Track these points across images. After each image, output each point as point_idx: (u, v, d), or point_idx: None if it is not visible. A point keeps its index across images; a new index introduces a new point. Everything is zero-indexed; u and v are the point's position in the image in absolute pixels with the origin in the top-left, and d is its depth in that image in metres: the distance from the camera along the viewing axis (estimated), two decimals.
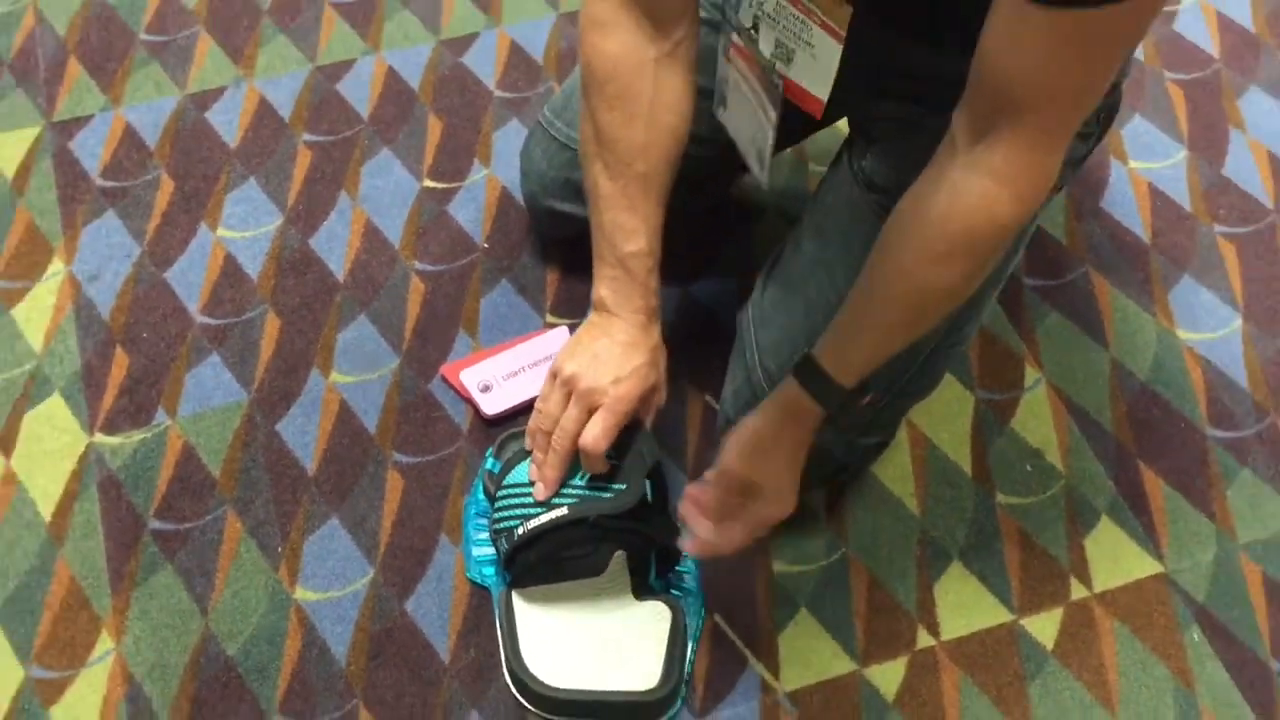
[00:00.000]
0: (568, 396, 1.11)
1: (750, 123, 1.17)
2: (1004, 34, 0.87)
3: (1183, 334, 1.39)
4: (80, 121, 1.55)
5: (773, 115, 1.12)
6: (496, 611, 1.18)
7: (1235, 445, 1.31)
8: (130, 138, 1.54)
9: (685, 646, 1.14)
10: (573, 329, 1.37)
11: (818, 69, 1.07)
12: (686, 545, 1.10)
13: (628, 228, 1.10)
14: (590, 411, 1.10)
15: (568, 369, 1.11)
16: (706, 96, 1.22)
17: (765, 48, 1.10)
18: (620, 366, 1.10)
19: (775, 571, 1.22)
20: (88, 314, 1.38)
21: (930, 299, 0.98)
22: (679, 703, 1.13)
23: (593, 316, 1.15)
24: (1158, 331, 1.39)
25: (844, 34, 1.04)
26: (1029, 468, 1.29)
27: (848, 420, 1.06)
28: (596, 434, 1.09)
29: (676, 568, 1.18)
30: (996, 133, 0.88)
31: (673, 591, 1.17)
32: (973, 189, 0.90)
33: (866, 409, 1.05)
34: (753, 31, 1.09)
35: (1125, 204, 1.50)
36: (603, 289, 1.12)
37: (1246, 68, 1.64)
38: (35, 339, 1.36)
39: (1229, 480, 1.29)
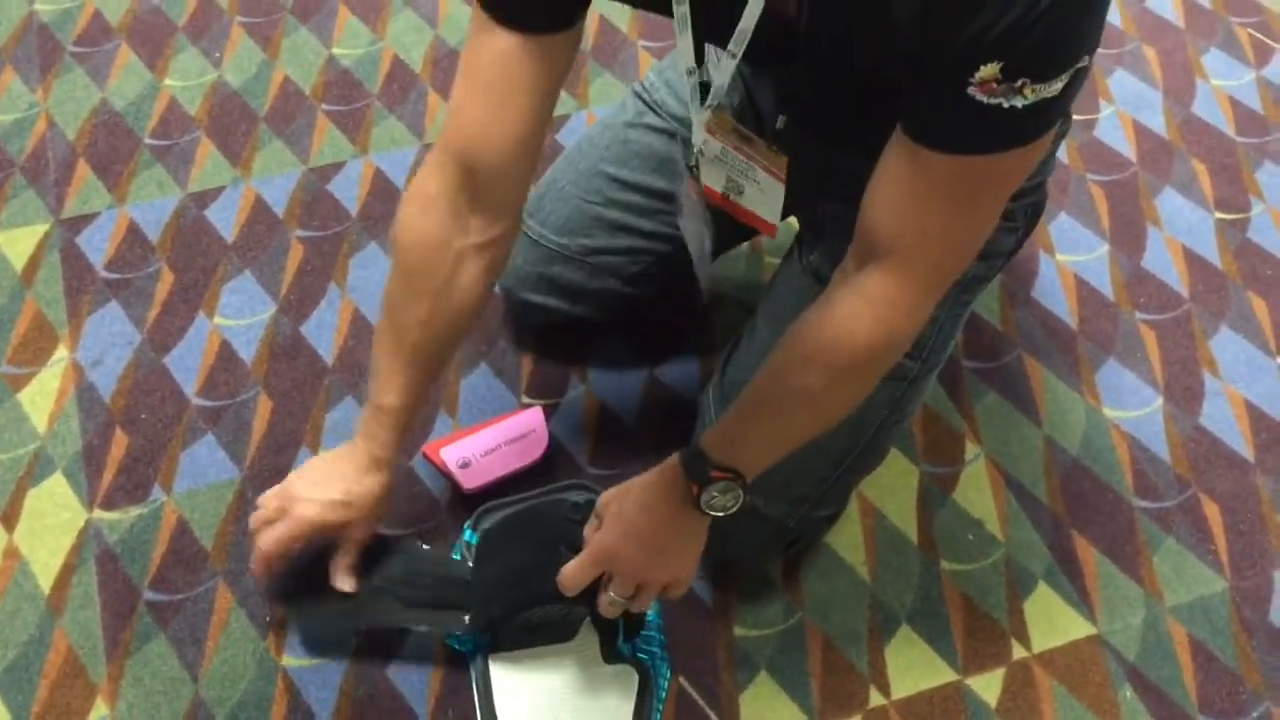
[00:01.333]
0: (279, 494, 1.11)
1: (696, 232, 1.20)
2: (884, 174, 0.89)
3: (1109, 412, 1.42)
4: (87, 219, 1.57)
5: (709, 230, 1.14)
6: (473, 675, 1.17)
7: (1159, 515, 1.33)
8: (134, 233, 1.55)
9: (652, 707, 1.14)
10: (547, 409, 1.38)
11: (766, 200, 1.11)
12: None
13: (388, 385, 1.07)
14: (282, 513, 1.09)
15: (291, 475, 1.12)
16: (669, 200, 1.26)
17: (715, 183, 1.12)
18: (321, 489, 1.09)
19: (736, 635, 1.23)
20: (89, 397, 1.39)
21: (789, 398, 0.98)
22: None
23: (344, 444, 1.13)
24: (1086, 410, 1.42)
25: (784, 176, 1.07)
26: (970, 536, 1.31)
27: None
28: (265, 537, 1.08)
29: (643, 632, 1.19)
30: (872, 263, 0.90)
31: (640, 655, 1.17)
32: (843, 307, 0.92)
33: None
34: (694, 169, 1.13)
35: (1054, 293, 1.54)
36: (358, 422, 1.10)
37: (1161, 170, 1.69)
38: (40, 421, 1.36)
39: (1154, 547, 1.30)
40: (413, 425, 1.11)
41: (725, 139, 1.09)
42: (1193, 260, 1.58)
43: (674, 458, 1.04)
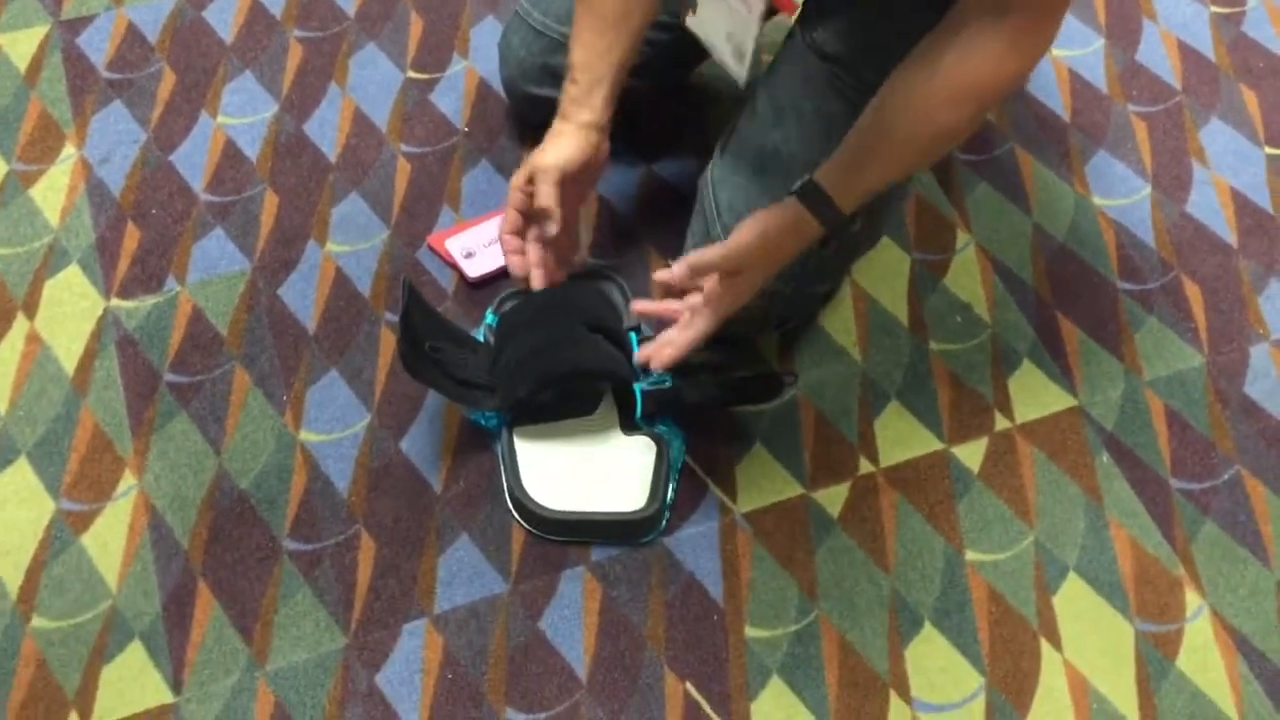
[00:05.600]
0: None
1: (726, 21, 1.16)
2: None
3: (1097, 200, 1.43)
4: (86, 20, 1.55)
5: (758, 7, 1.11)
6: (498, 448, 1.21)
7: (1142, 296, 1.36)
8: (133, 34, 1.54)
9: (668, 475, 1.18)
10: None
11: None
12: (647, 352, 1.15)
13: (575, 44, 1.16)
14: (529, 179, 1.17)
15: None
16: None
17: None
18: (554, 151, 1.16)
19: (733, 410, 1.26)
20: (99, 193, 1.40)
21: (937, 138, 1.02)
22: (662, 524, 1.17)
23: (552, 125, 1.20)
24: (1075, 199, 1.44)
25: None
26: (959, 319, 1.34)
27: (839, 241, 1.11)
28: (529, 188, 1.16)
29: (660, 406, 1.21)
30: (1007, 7, 0.93)
31: (658, 428, 1.21)
32: (985, 48, 0.96)
33: (856, 232, 1.09)
34: None
35: (1048, 87, 1.54)
36: (562, 96, 1.18)
37: None
38: (52, 215, 1.38)
39: (1136, 326, 1.34)
40: (611, 93, 1.17)
41: None
42: (1187, 53, 1.57)
43: (804, 217, 1.06)
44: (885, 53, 1.15)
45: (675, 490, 1.19)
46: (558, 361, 1.16)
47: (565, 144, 1.16)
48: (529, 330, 1.20)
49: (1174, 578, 1.17)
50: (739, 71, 1.18)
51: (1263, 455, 1.25)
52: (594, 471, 1.19)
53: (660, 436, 1.20)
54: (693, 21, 1.19)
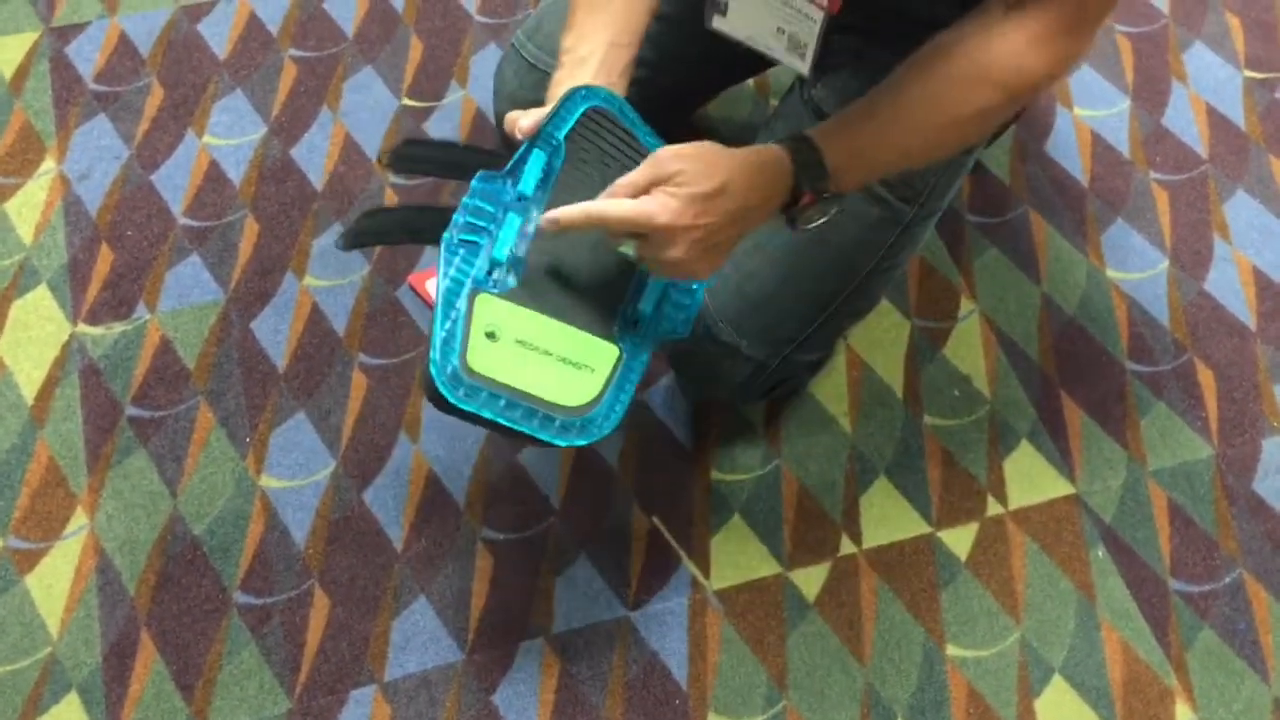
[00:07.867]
0: None
1: (776, 18, 1.07)
2: None
3: (1112, 273, 1.37)
4: (78, 28, 1.51)
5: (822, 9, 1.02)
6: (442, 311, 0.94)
7: (1152, 379, 1.29)
8: (124, 45, 1.49)
9: (626, 388, 0.93)
10: None
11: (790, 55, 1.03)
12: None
13: (577, 25, 1.03)
14: None
15: None
16: (662, 21, 1.18)
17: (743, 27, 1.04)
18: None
19: (712, 479, 1.21)
20: (76, 211, 1.35)
21: (951, 123, 0.94)
22: (600, 433, 0.91)
23: None
24: (1088, 270, 1.37)
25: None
26: (957, 392, 1.28)
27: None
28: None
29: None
30: (1035, 6, 0.89)
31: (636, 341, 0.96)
32: (1009, 43, 0.90)
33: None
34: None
35: (1068, 148, 1.47)
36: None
37: (1193, 23, 1.59)
38: (25, 233, 1.34)
39: (1143, 411, 1.27)
40: (600, 72, 0.99)
41: None
42: (1216, 120, 1.50)
43: (783, 154, 0.91)
44: None
45: (626, 408, 0.93)
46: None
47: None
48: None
49: (1165, 688, 1.11)
50: (799, 65, 1.10)
51: (1268, 559, 1.18)
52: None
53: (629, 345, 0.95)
54: (723, 23, 1.13)
